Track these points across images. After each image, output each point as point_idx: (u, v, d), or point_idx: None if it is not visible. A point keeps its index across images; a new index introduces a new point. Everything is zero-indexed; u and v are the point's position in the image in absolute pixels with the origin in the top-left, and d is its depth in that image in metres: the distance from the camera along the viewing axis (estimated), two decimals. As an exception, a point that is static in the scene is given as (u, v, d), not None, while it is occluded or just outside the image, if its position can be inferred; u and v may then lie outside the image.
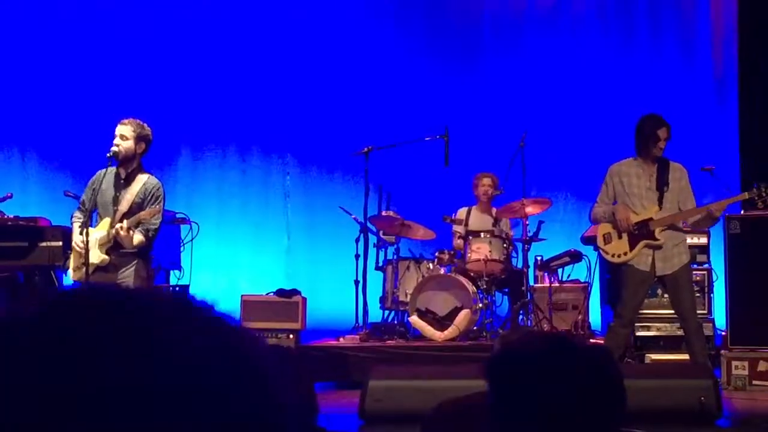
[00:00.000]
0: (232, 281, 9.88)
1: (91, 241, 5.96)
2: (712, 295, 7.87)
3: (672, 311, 6.88)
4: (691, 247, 7.05)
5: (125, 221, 5.90)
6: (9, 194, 7.83)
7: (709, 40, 10.46)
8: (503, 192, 8.48)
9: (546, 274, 8.61)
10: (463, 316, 7.80)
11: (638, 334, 7.66)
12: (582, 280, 8.50)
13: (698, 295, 7.44)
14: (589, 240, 8.12)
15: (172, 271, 8.20)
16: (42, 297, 0.66)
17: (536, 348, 1.72)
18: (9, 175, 10.09)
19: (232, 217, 10.52)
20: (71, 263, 6.13)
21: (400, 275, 8.27)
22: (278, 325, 7.85)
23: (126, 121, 6.07)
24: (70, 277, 6.23)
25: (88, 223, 6.09)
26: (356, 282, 8.20)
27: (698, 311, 6.87)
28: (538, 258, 8.66)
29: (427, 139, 8.59)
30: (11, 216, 7.56)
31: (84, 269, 5.93)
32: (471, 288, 7.90)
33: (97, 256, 5.98)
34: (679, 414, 5.57)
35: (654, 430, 5.11)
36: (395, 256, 8.39)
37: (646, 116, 6.58)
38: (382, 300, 8.43)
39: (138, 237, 5.94)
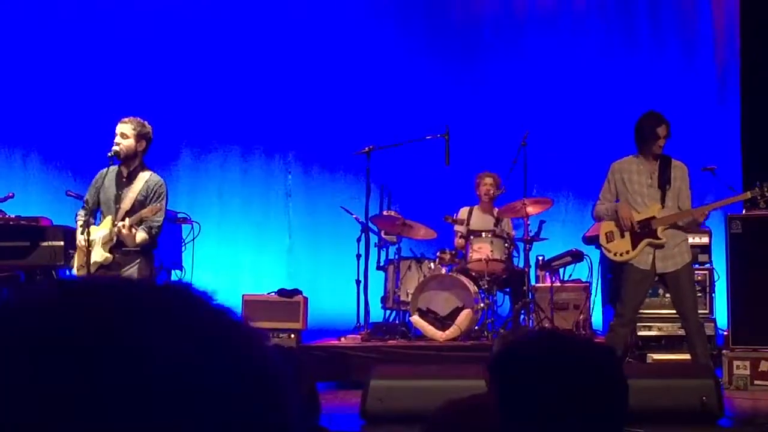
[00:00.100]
0: (233, 281, 9.86)
1: (95, 240, 5.97)
2: (713, 294, 7.86)
3: (673, 311, 6.87)
4: (693, 246, 7.03)
5: (127, 219, 5.92)
6: (10, 194, 7.84)
7: (710, 40, 10.44)
8: (505, 191, 8.48)
9: (547, 273, 8.60)
10: (465, 315, 7.79)
11: (640, 333, 7.65)
12: (583, 280, 8.48)
13: (700, 294, 7.42)
14: (590, 240, 8.12)
15: (173, 271, 8.20)
16: (40, 290, 0.65)
17: (537, 347, 1.72)
18: (10, 174, 10.09)
19: (234, 217, 10.51)
20: (75, 262, 6.16)
21: (401, 275, 8.27)
22: (280, 325, 7.85)
23: (126, 119, 6.09)
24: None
25: (90, 221, 6.10)
26: (358, 282, 8.20)
27: (700, 311, 6.86)
28: (540, 258, 8.66)
29: (428, 137, 8.58)
30: (13, 216, 7.55)
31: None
32: (472, 288, 7.89)
33: (100, 255, 6.00)
34: (681, 414, 5.57)
35: (655, 430, 5.12)
36: (396, 256, 8.40)
37: (645, 114, 6.55)
38: (384, 300, 8.43)
39: (141, 235, 5.95)
